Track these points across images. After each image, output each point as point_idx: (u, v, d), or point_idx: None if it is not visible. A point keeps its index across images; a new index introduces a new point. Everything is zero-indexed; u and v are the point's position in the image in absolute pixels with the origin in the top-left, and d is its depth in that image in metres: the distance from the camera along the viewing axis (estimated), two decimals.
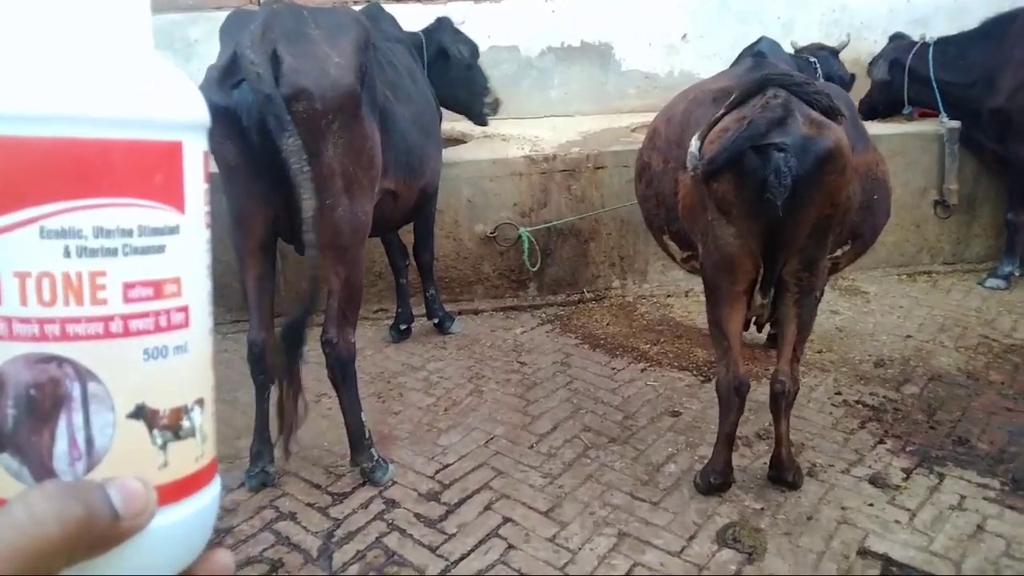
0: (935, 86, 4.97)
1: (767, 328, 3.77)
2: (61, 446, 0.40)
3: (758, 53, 3.43)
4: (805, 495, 3.04)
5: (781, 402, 2.91)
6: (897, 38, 5.29)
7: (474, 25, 5.46)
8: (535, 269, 4.65)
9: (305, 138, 2.60)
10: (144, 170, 0.41)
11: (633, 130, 5.23)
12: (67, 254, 0.39)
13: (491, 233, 4.63)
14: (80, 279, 0.40)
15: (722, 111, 2.66)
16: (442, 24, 4.30)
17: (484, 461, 3.29)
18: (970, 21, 5.12)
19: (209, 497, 0.46)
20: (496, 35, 5.40)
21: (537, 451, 3.36)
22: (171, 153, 0.42)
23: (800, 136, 2.46)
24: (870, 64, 5.33)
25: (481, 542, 2.81)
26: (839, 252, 2.99)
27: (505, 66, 5.45)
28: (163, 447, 0.43)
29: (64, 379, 0.40)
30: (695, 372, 4.01)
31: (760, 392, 3.63)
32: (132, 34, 0.42)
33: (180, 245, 0.43)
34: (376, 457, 3.15)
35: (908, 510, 2.96)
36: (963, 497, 3.03)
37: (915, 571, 2.67)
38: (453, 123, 5.02)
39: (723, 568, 2.68)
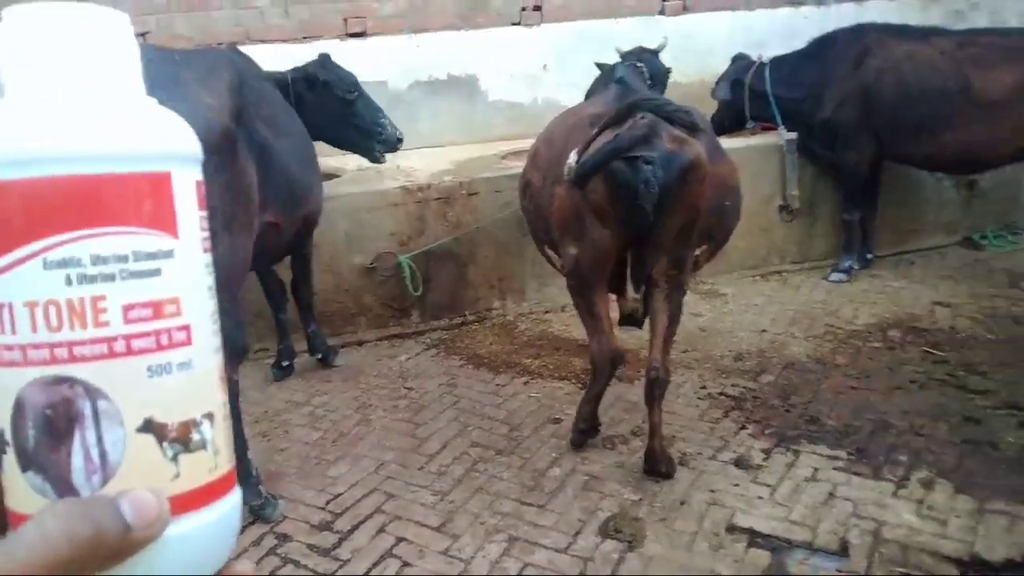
0: (772, 102, 5.44)
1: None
2: (78, 461, 0.42)
3: (620, 80, 3.71)
4: (678, 483, 3.28)
5: (655, 389, 3.16)
6: (738, 59, 5.76)
7: (341, 62, 5.59)
8: (418, 294, 4.77)
9: None
10: (135, 200, 0.44)
11: (503, 157, 5.46)
12: (68, 282, 0.42)
13: (370, 264, 4.72)
14: (83, 304, 0.42)
15: (596, 131, 2.93)
16: (319, 60, 4.36)
17: (375, 487, 3.37)
18: (800, 41, 5.65)
19: (228, 507, 0.48)
20: (364, 71, 5.51)
21: (427, 471, 3.47)
22: (160, 183, 0.45)
23: (665, 151, 2.76)
24: (714, 85, 5.77)
25: (375, 564, 2.89)
26: (697, 252, 3.30)
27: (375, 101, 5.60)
28: (174, 459, 0.44)
29: (76, 398, 0.42)
30: (574, 381, 4.22)
31: (633, 393, 3.88)
32: (119, 76, 0.46)
33: (176, 267, 0.45)
34: (264, 494, 3.17)
35: (769, 486, 3.25)
36: (816, 469, 3.34)
37: (777, 539, 2.94)
38: (326, 158, 5.10)
39: (607, 558, 2.87)
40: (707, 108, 5.87)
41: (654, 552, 2.88)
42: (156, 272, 0.44)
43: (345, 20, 5.49)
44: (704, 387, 4.07)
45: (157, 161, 0.45)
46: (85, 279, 0.42)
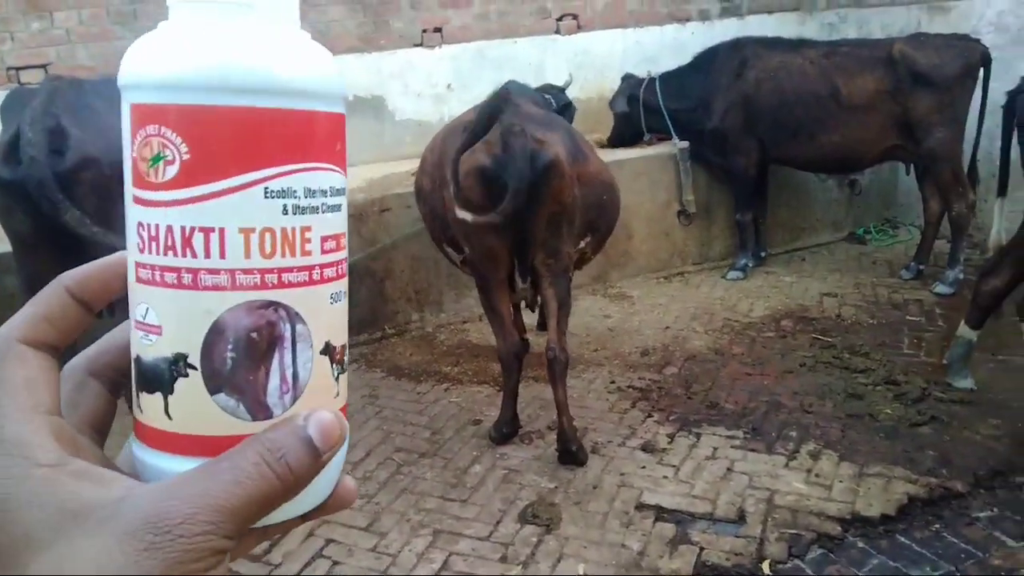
0: (665, 114, 5.80)
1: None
2: (274, 382, 0.44)
3: (504, 91, 3.96)
4: (590, 469, 3.50)
5: (556, 368, 3.43)
6: (627, 77, 6.10)
7: None
8: None
9: (99, 204, 2.76)
10: (332, 138, 0.46)
11: (413, 174, 5.61)
12: (285, 211, 0.43)
13: None
14: (294, 234, 0.44)
15: (467, 137, 3.20)
16: None
17: None
18: (688, 56, 6.02)
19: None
20: None
21: (353, 477, 3.57)
22: (342, 123, 0.47)
23: (529, 151, 3.08)
24: (610, 101, 6.09)
25: (306, 565, 3.00)
26: (583, 244, 3.62)
27: None
28: (337, 379, 0.47)
29: (279, 322, 0.44)
30: (493, 384, 4.41)
31: (549, 391, 4.09)
32: (297, 20, 0.47)
33: (345, 204, 0.48)
34: None
35: (673, 466, 3.50)
36: (715, 448, 3.62)
37: (681, 513, 3.19)
38: None
39: (526, 541, 3.06)
40: (606, 121, 6.22)
41: (570, 533, 3.09)
42: (339, 207, 0.47)
43: None
44: (613, 381, 4.32)
45: (342, 101, 0.47)
46: (299, 210, 0.44)
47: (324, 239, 0.46)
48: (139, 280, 0.44)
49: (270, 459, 0.41)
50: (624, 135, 6.09)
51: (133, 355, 0.45)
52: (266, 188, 0.43)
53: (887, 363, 4.33)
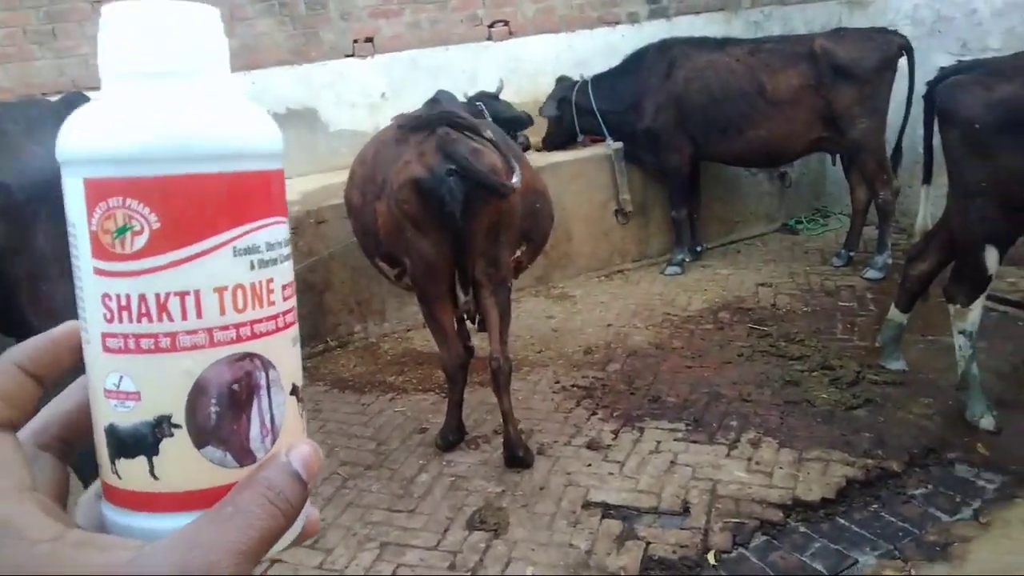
0: (598, 116, 5.85)
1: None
2: (255, 428, 0.46)
3: (434, 100, 3.97)
4: (537, 470, 3.51)
5: (499, 378, 3.41)
6: (561, 80, 6.16)
7: None
8: None
9: (11, 230, 2.65)
10: (279, 192, 0.49)
11: None
12: (252, 267, 0.46)
13: None
14: (261, 286, 0.46)
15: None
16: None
17: None
18: (619, 58, 6.09)
19: None
20: None
21: None
22: (282, 177, 0.50)
23: (465, 161, 3.07)
24: (541, 107, 6.13)
25: None
26: (519, 253, 3.62)
27: None
28: (302, 415, 0.50)
29: (255, 371, 0.46)
30: (438, 391, 4.39)
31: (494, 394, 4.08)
32: (226, 73, 0.49)
33: (291, 252, 0.50)
34: None
35: (618, 462, 3.53)
36: (659, 442, 3.66)
37: (627, 508, 3.22)
38: None
39: (474, 548, 3.05)
40: (542, 124, 6.25)
41: (518, 536, 3.09)
42: (289, 256, 0.49)
43: None
44: (558, 381, 4.34)
45: (281, 157, 0.50)
46: (263, 263, 0.46)
47: (284, 287, 0.48)
48: (108, 350, 0.45)
49: (272, 496, 0.43)
50: (557, 138, 6.14)
51: (103, 424, 0.46)
52: (234, 247, 0.45)
53: (822, 349, 4.44)
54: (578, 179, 5.83)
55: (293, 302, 0.49)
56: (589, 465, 3.52)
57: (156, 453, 0.45)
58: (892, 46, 5.26)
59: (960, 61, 3.70)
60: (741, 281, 5.64)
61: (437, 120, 3.34)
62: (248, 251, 0.46)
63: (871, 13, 6.25)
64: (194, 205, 0.44)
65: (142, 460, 0.45)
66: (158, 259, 0.44)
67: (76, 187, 0.45)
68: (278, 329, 0.47)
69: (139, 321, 0.44)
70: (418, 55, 6.18)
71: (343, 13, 5.96)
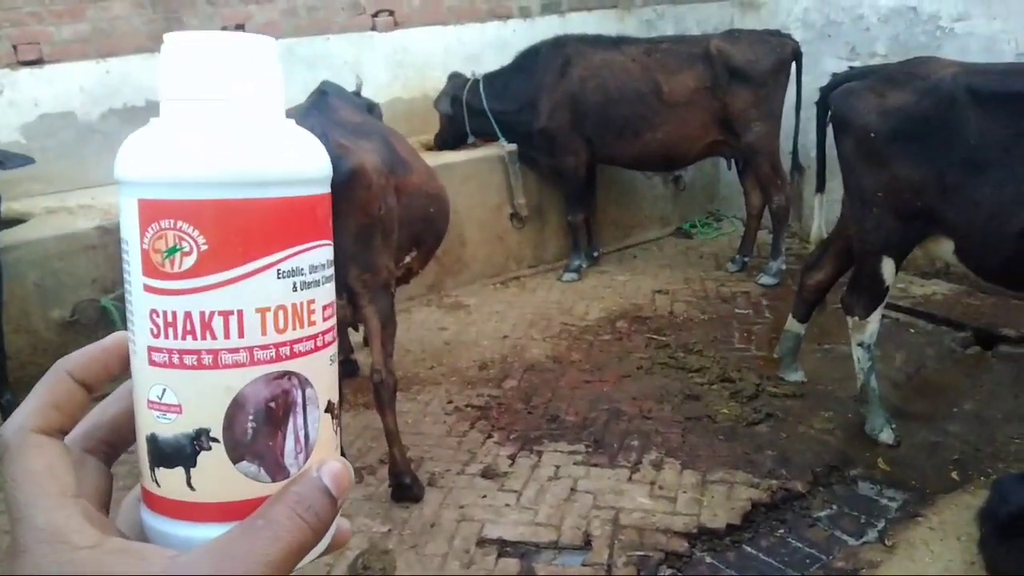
0: (490, 116, 5.57)
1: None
2: (289, 444, 0.47)
3: (320, 92, 3.60)
4: (427, 504, 3.20)
5: (382, 394, 3.10)
6: (454, 77, 5.83)
7: (17, 93, 4.92)
8: None
9: None
10: (325, 216, 0.49)
11: None
12: (295, 289, 0.47)
13: (71, 317, 4.18)
14: (302, 308, 0.47)
15: None
16: None
17: None
18: (511, 53, 5.84)
19: None
20: (45, 103, 4.91)
21: None
22: (329, 200, 0.50)
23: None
24: (435, 100, 5.81)
25: None
26: (408, 259, 3.34)
27: (63, 134, 4.98)
28: (336, 432, 0.50)
29: (292, 389, 0.47)
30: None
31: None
32: (282, 108, 0.50)
33: (333, 273, 0.51)
34: None
35: (515, 491, 3.27)
36: (558, 467, 3.43)
37: (525, 544, 2.97)
38: (9, 203, 4.46)
39: None
40: (432, 121, 5.94)
41: None
42: (331, 277, 0.50)
43: (15, 47, 4.83)
44: (451, 401, 4.04)
45: (328, 183, 0.50)
46: (305, 285, 0.47)
47: (325, 307, 0.49)
48: (153, 363, 0.46)
49: (301, 511, 0.44)
50: (448, 138, 5.83)
51: (145, 433, 0.47)
52: (278, 270, 0.46)
53: (720, 360, 4.32)
54: (471, 181, 5.55)
55: (333, 321, 0.50)
56: (484, 496, 3.25)
57: (194, 465, 0.46)
58: (786, 49, 5.23)
59: (851, 67, 3.64)
60: (638, 288, 5.49)
61: (305, 115, 3.04)
62: (292, 273, 0.47)
63: (763, 15, 6.24)
64: (242, 228, 0.45)
65: (180, 471, 0.46)
66: (205, 279, 0.45)
67: (131, 207, 0.46)
68: (317, 348, 0.48)
69: (184, 338, 0.45)
70: (295, 44, 5.72)
71: None
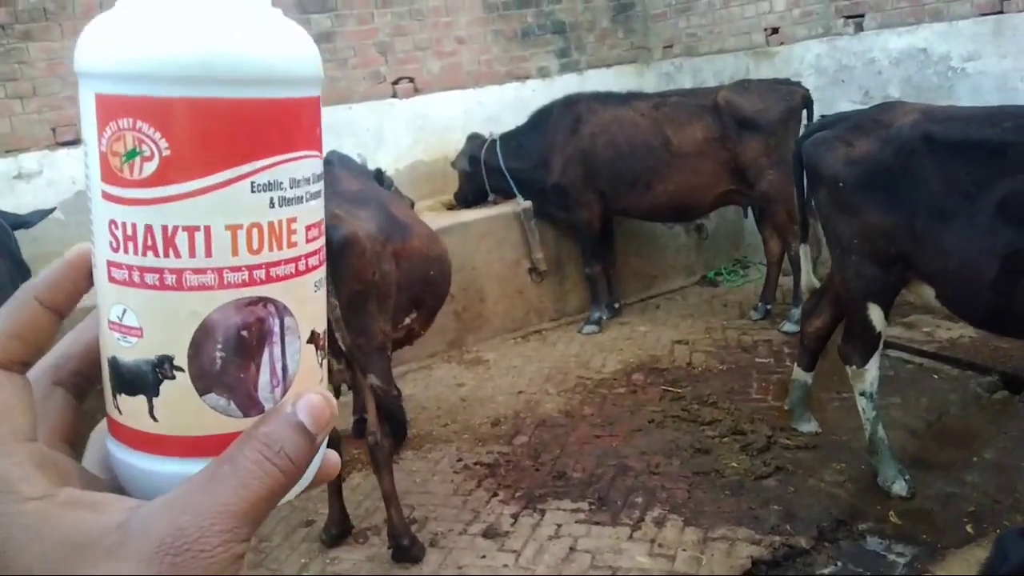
0: (507, 174, 5.71)
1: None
2: (264, 377, 0.43)
3: (327, 162, 3.77)
4: (426, 565, 3.23)
5: (378, 455, 3.17)
6: (473, 137, 6.01)
7: (56, 172, 5.25)
8: None
9: None
10: (313, 123, 0.44)
11: None
12: (272, 205, 0.42)
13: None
14: (281, 227, 0.43)
15: None
16: None
17: None
18: (530, 112, 5.99)
19: None
20: (81, 180, 5.18)
21: None
22: (318, 105, 0.45)
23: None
24: (453, 161, 5.98)
25: None
26: (408, 320, 3.43)
27: None
28: (321, 364, 0.47)
29: (268, 317, 0.43)
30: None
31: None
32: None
33: (322, 187, 0.46)
34: None
35: (514, 551, 3.28)
36: (559, 526, 3.42)
37: None
38: None
39: None
40: (452, 182, 6.10)
41: None
42: (319, 193, 0.45)
43: (54, 130, 5.18)
44: (460, 459, 4.08)
45: (319, 83, 0.45)
46: (285, 201, 0.43)
47: (308, 228, 0.45)
48: (113, 280, 0.42)
49: (270, 454, 0.40)
50: (468, 195, 5.99)
51: (107, 356, 0.44)
52: (253, 182, 0.41)
53: (734, 412, 4.27)
54: (488, 238, 5.65)
55: (320, 243, 0.46)
56: (483, 556, 3.26)
57: (156, 394, 0.42)
58: (796, 97, 5.24)
59: (823, 116, 3.63)
60: (658, 339, 5.47)
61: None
62: (269, 187, 0.42)
63: (777, 63, 6.27)
64: (210, 133, 0.40)
65: (142, 399, 0.43)
66: (167, 189, 0.40)
67: (88, 102, 0.41)
68: (298, 273, 0.44)
69: (144, 254, 0.41)
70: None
71: None
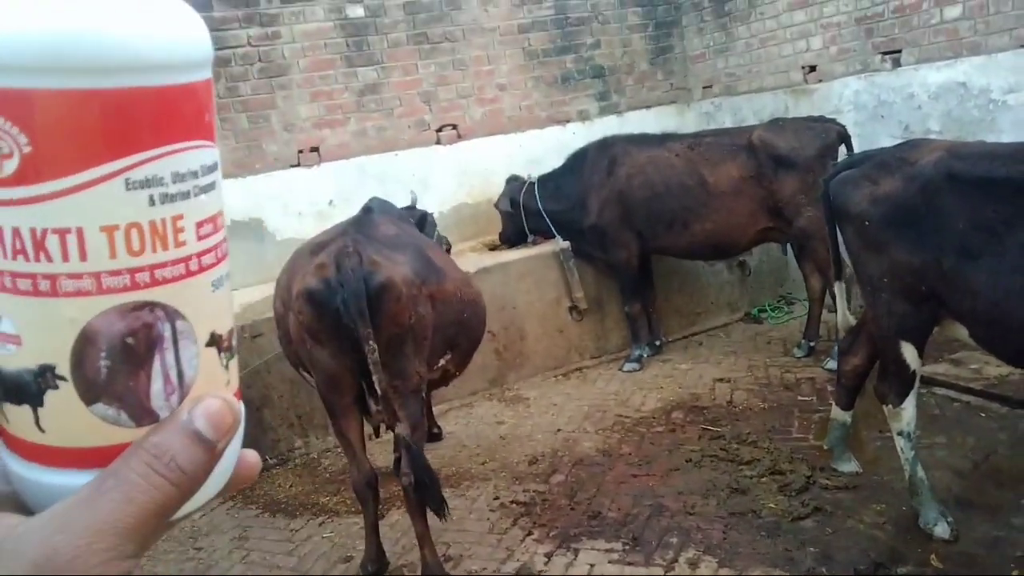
0: (545, 216, 5.82)
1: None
2: (157, 385, 0.41)
3: (366, 208, 3.93)
4: None
5: (411, 495, 3.19)
6: (512, 179, 6.15)
7: None
8: None
9: None
10: (199, 111, 0.42)
11: None
12: (152, 202, 0.40)
13: None
14: (164, 225, 0.40)
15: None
16: None
17: None
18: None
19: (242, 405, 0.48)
20: None
21: None
22: (208, 90, 0.42)
23: (361, 273, 3.03)
24: (496, 202, 6.11)
25: None
26: (442, 362, 3.52)
27: None
28: (226, 367, 0.45)
29: (156, 322, 0.41)
30: None
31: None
32: None
33: (219, 180, 0.44)
34: None
35: None
36: (592, 565, 3.43)
37: None
38: None
39: None
40: (496, 224, 6.22)
41: None
42: (213, 186, 0.43)
43: None
44: (497, 497, 4.12)
45: (206, 67, 0.42)
46: (167, 198, 0.40)
47: (199, 224, 0.42)
48: None
49: (158, 466, 0.38)
50: (511, 234, 6.11)
51: None
52: (127, 179, 0.38)
53: (774, 451, 4.22)
54: (527, 277, 5.74)
55: (215, 239, 0.43)
56: None
57: (41, 404, 0.40)
58: (831, 134, 5.23)
59: (850, 154, 3.63)
60: (699, 376, 5.45)
61: (343, 233, 3.33)
62: (146, 184, 0.39)
63: (815, 100, 6.28)
64: (74, 126, 0.37)
65: (27, 409, 0.40)
66: (31, 189, 0.37)
67: None
68: (190, 273, 0.41)
69: (15, 258, 0.38)
70: (365, 162, 6.20)
71: (286, 125, 6.00)
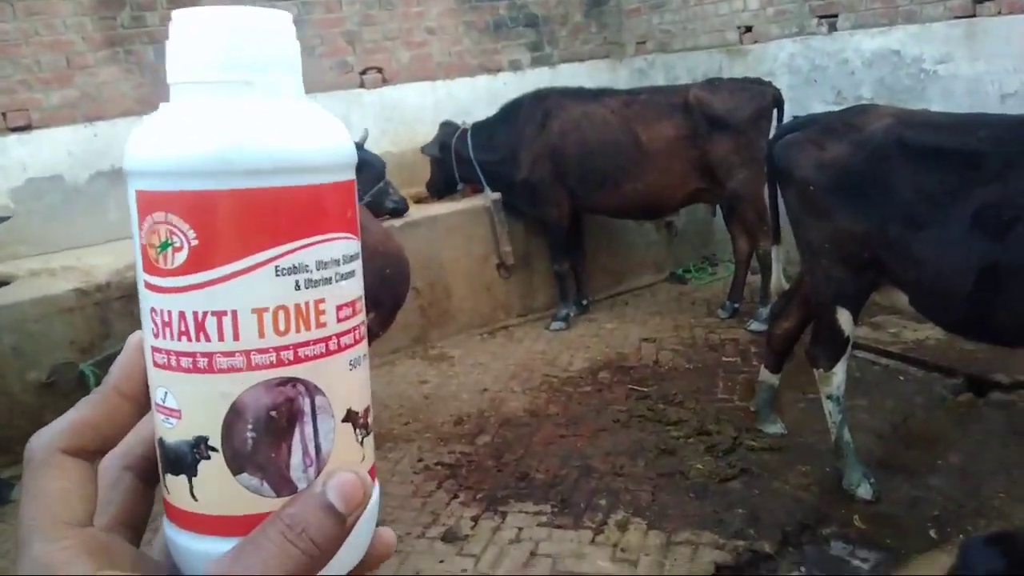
0: (476, 166, 5.61)
1: None
2: (296, 457, 0.43)
3: None
4: (382, 570, 3.12)
5: None
6: (445, 124, 5.89)
7: (6, 158, 5.06)
8: None
9: None
10: (342, 207, 0.46)
11: None
12: (297, 287, 0.43)
13: (48, 379, 4.21)
14: (308, 308, 0.44)
15: None
16: None
17: None
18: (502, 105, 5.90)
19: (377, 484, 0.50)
20: (33, 167, 5.04)
21: None
22: (351, 189, 0.47)
23: None
24: (424, 147, 5.85)
25: None
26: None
27: (50, 197, 5.10)
28: (361, 443, 0.47)
29: (298, 397, 0.43)
30: None
31: None
32: (297, 79, 0.46)
33: (359, 268, 0.48)
34: None
35: (474, 556, 3.19)
36: (520, 529, 3.34)
37: None
38: None
39: None
40: (422, 174, 5.99)
41: None
42: (352, 274, 0.47)
43: (4, 114, 4.98)
44: (421, 459, 3.99)
45: (350, 169, 0.47)
46: (311, 283, 0.44)
47: (339, 308, 0.46)
48: (156, 365, 0.44)
49: (292, 536, 0.41)
50: (439, 183, 5.89)
51: (156, 437, 0.45)
52: (276, 267, 0.43)
53: (700, 412, 4.22)
54: (456, 232, 5.56)
55: (354, 322, 0.46)
56: (442, 561, 3.17)
57: (195, 474, 0.44)
58: (766, 96, 5.20)
59: (795, 117, 3.58)
60: (625, 336, 5.42)
61: None
62: (293, 270, 0.43)
63: (750, 62, 6.23)
64: (232, 222, 0.42)
65: (183, 479, 0.44)
66: (196, 277, 0.42)
67: (132, 199, 0.45)
68: (329, 353, 0.45)
69: (179, 339, 0.43)
70: None
71: None
